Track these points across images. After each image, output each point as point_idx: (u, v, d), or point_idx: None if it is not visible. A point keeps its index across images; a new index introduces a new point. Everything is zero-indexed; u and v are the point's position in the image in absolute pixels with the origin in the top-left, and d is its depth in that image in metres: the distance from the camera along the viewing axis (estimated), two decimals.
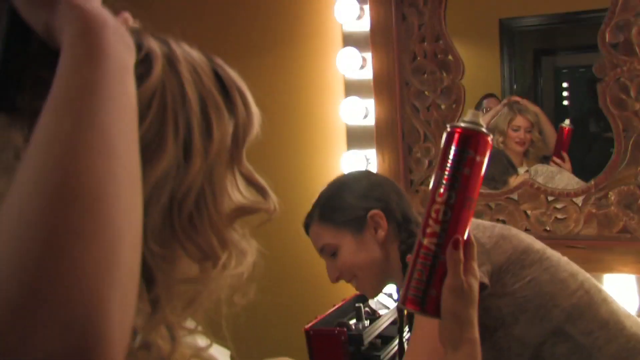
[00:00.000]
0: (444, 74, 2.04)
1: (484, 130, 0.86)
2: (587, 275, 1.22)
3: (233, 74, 0.66)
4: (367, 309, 1.87)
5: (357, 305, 1.83)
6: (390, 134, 2.09)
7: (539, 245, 1.21)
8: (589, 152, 2.24)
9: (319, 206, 1.37)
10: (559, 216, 1.94)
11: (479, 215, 2.01)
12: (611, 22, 1.82)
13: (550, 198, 1.95)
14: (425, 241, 0.86)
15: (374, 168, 2.12)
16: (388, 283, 1.38)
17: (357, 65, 2.10)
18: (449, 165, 0.86)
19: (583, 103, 2.30)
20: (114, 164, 0.45)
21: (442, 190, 0.85)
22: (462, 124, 0.87)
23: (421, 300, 0.87)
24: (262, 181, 0.67)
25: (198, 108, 0.60)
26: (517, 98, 2.20)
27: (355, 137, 2.17)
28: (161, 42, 0.61)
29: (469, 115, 0.88)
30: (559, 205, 1.94)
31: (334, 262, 1.35)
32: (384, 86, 2.09)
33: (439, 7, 2.01)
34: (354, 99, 2.12)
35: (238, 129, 0.64)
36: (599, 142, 2.17)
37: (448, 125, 0.89)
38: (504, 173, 2.13)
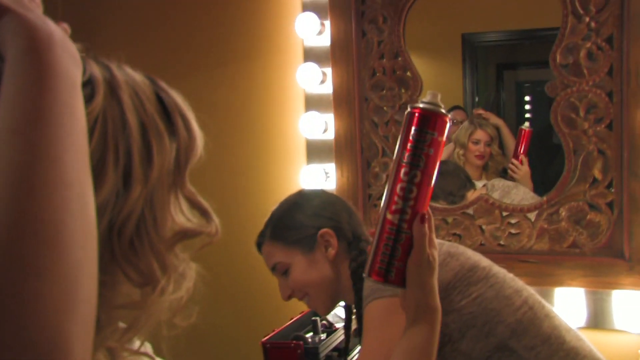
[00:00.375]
0: (403, 90, 2.08)
1: (443, 110, 0.92)
2: (531, 291, 1.26)
3: (176, 97, 0.66)
4: (323, 322, 1.89)
5: (313, 318, 1.85)
6: (349, 148, 2.12)
7: (485, 262, 1.25)
8: (550, 165, 2.29)
9: (271, 225, 1.38)
10: (513, 231, 1.99)
11: (435, 229, 2.04)
12: (561, 44, 1.88)
13: (504, 213, 2.00)
14: (391, 217, 0.93)
15: (332, 182, 2.15)
16: (340, 300, 1.41)
17: (317, 80, 2.12)
18: (411, 145, 0.91)
19: (544, 116, 2.36)
20: (69, 194, 0.45)
21: (406, 169, 0.92)
22: (422, 105, 0.92)
23: (386, 271, 0.94)
24: (205, 203, 0.68)
25: (139, 134, 0.60)
26: (481, 110, 2.25)
27: (315, 151, 2.19)
28: (102, 67, 0.61)
29: (427, 96, 0.93)
30: (513, 220, 1.99)
31: (286, 281, 1.37)
32: (344, 101, 2.12)
33: (398, 24, 2.05)
34: (313, 113, 2.15)
35: (180, 153, 0.65)
36: (561, 155, 2.23)
37: (409, 106, 0.94)
38: (461, 188, 2.18)
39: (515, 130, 2.21)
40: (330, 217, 1.35)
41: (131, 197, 0.58)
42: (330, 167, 2.16)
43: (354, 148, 2.12)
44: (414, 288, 0.95)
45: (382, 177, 2.11)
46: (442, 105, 0.93)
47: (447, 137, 2.21)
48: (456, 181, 2.19)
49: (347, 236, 1.35)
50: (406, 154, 0.92)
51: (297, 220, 1.35)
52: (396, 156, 0.93)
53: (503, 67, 2.42)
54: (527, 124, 2.20)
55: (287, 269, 1.35)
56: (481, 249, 2.01)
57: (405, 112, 0.94)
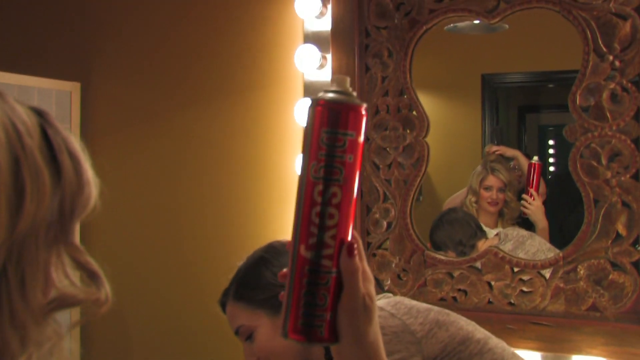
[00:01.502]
0: (408, 131, 1.92)
1: (356, 100, 0.69)
2: None
3: (67, 136, 0.57)
4: None
5: None
6: None
7: (480, 334, 1.07)
8: (571, 213, 2.12)
9: (236, 282, 1.22)
10: (525, 289, 1.79)
11: (438, 284, 1.86)
12: (581, 84, 1.71)
13: (516, 269, 1.81)
14: (307, 254, 0.68)
15: None
16: None
17: None
18: (323, 153, 0.68)
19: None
20: None
21: (320, 186, 0.68)
22: (329, 96, 0.69)
23: (310, 327, 0.70)
24: (94, 265, 0.57)
25: (9, 172, 0.49)
26: (494, 148, 2.10)
27: None
28: None
29: (334, 81, 0.70)
30: (525, 277, 1.79)
31: (251, 347, 1.19)
32: None
33: (404, 59, 1.91)
34: None
35: (64, 200, 0.54)
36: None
37: (311, 99, 0.70)
38: (472, 237, 2.00)
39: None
40: None
41: None
42: None
43: None
44: (350, 343, 0.70)
45: (383, 224, 1.93)
46: (354, 93, 0.70)
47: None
48: (466, 230, 2.01)
49: None
50: (317, 167, 0.68)
51: (262, 278, 1.19)
52: (303, 170, 0.69)
53: (525, 110, 2.29)
54: (535, 157, 2.06)
55: (251, 334, 1.18)
56: (489, 307, 1.81)
57: (307, 108, 0.70)
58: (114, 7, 2.38)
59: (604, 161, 1.70)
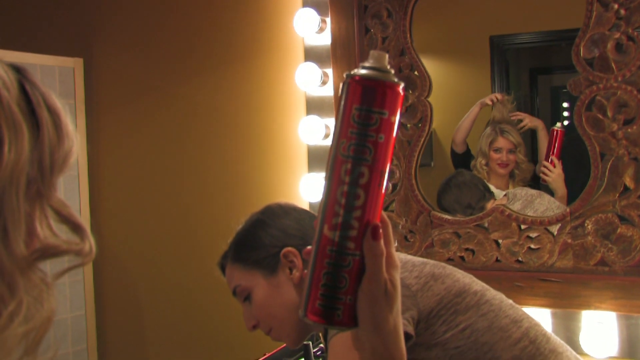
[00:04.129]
0: (410, 91, 1.89)
1: (393, 78, 0.65)
2: (534, 321, 1.06)
3: (46, 91, 0.57)
4: (321, 346, 1.71)
5: (305, 343, 1.67)
6: None
7: (478, 286, 1.06)
8: (589, 173, 2.09)
9: (233, 245, 1.23)
10: (533, 246, 1.78)
11: (445, 244, 1.85)
12: (585, 36, 1.67)
13: (523, 226, 1.79)
14: (330, 234, 0.65)
15: None
16: (309, 332, 1.23)
17: (318, 81, 1.96)
18: (353, 131, 0.65)
19: None
20: None
21: (348, 165, 0.65)
22: (364, 72, 0.65)
23: (329, 309, 0.67)
24: (77, 217, 0.57)
25: None
26: (518, 114, 2.05)
27: (316, 159, 2.02)
28: None
29: (371, 57, 0.66)
30: (532, 234, 1.78)
31: (249, 308, 1.20)
32: None
33: (403, 19, 1.88)
34: (314, 117, 1.98)
35: (43, 153, 0.54)
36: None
37: (345, 75, 0.67)
38: (480, 199, 1.98)
39: None
40: (294, 235, 1.18)
41: None
42: None
43: None
44: (368, 330, 0.67)
45: (388, 185, 1.92)
46: (392, 71, 0.66)
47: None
48: (474, 192, 1.99)
49: None
50: (346, 144, 0.65)
51: (258, 239, 1.19)
52: (332, 147, 0.66)
53: (537, 72, 2.23)
54: (559, 124, 1.99)
55: (248, 294, 1.19)
56: (497, 265, 1.80)
57: (341, 84, 0.67)
58: None
59: (609, 113, 1.66)
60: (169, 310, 2.32)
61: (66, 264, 0.59)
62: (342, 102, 0.66)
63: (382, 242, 0.66)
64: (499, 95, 2.03)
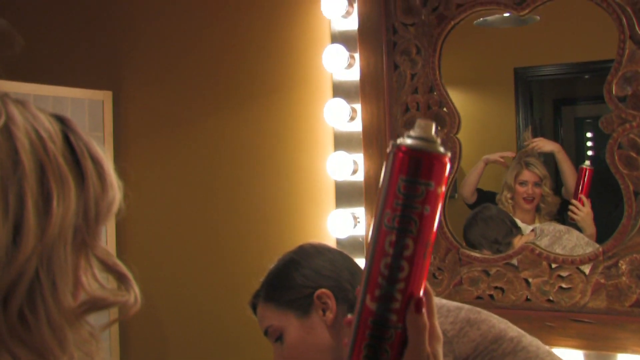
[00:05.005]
0: (439, 128, 1.89)
1: (440, 148, 0.65)
2: None
3: (89, 141, 0.57)
4: None
5: None
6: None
7: (514, 332, 1.03)
8: (616, 209, 2.06)
9: (265, 284, 1.22)
10: (564, 285, 1.74)
11: (474, 282, 1.83)
12: (617, 73, 1.66)
13: (554, 265, 1.76)
14: (373, 305, 0.65)
15: (362, 228, 1.96)
16: None
17: (346, 117, 1.96)
18: (398, 202, 0.64)
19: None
20: None
21: (392, 237, 0.64)
22: (410, 142, 0.65)
23: None
24: (123, 267, 0.58)
25: (35, 178, 0.50)
26: (531, 141, 2.04)
27: (344, 194, 2.01)
28: None
29: (417, 128, 0.65)
30: (563, 273, 1.75)
31: (281, 349, 1.19)
32: (374, 139, 1.95)
33: (432, 56, 1.88)
34: (342, 153, 1.98)
35: (89, 204, 0.54)
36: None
37: (391, 144, 0.67)
38: (507, 234, 1.96)
39: (577, 169, 1.99)
40: (328, 276, 1.17)
41: (21, 255, 0.48)
42: (360, 212, 1.97)
43: None
44: None
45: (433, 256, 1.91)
46: (438, 140, 0.66)
47: None
48: (501, 227, 1.97)
49: (349, 298, 1.16)
50: (391, 216, 0.64)
51: (291, 279, 1.18)
52: (376, 218, 0.66)
53: (561, 103, 2.23)
54: (587, 162, 1.97)
55: (280, 335, 1.18)
56: (527, 305, 1.77)
57: (387, 152, 0.67)
58: (141, 15, 2.41)
59: None
60: (197, 349, 2.31)
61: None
62: (388, 172, 0.65)
63: (425, 315, 0.65)
64: (506, 154, 2.03)
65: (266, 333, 1.21)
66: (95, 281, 0.55)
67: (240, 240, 2.21)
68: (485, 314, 1.05)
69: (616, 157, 1.67)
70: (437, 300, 1.08)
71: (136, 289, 0.58)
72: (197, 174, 2.30)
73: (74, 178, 0.53)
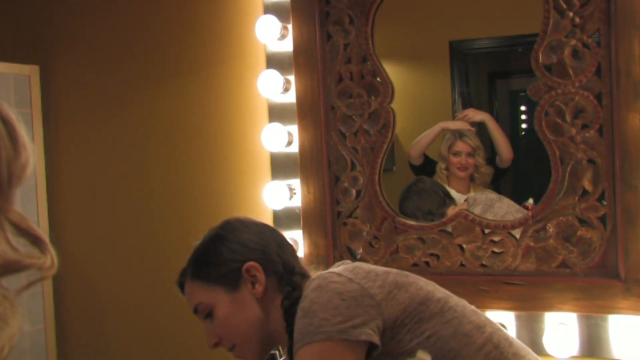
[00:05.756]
0: (372, 97, 1.90)
1: None
2: (497, 326, 1.07)
3: (2, 104, 0.55)
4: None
5: (272, 352, 1.66)
6: (315, 162, 1.94)
7: (441, 293, 1.06)
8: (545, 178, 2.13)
9: (192, 261, 1.21)
10: (496, 250, 1.80)
11: (410, 250, 1.86)
12: (543, 42, 1.70)
13: (486, 230, 1.81)
14: None
15: (298, 199, 1.96)
16: (273, 346, 1.22)
17: (280, 88, 1.95)
18: None
19: None
20: None
21: None
22: None
23: None
24: (37, 230, 0.56)
25: None
26: (462, 112, 2.07)
27: (279, 166, 2.01)
28: None
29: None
30: (496, 238, 1.80)
31: (212, 325, 1.18)
32: (308, 111, 1.94)
33: (365, 25, 1.88)
34: (277, 124, 1.97)
35: (1, 167, 0.53)
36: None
37: None
38: (440, 205, 1.99)
39: (510, 141, 2.02)
40: (255, 249, 1.17)
41: None
42: (296, 183, 1.98)
43: (320, 161, 1.94)
44: None
45: (352, 192, 1.92)
46: None
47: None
48: (434, 199, 2.00)
49: (277, 270, 1.16)
50: None
51: (218, 254, 1.18)
52: None
53: (495, 76, 2.26)
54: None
55: (210, 311, 1.17)
56: (462, 270, 1.82)
57: None
58: None
59: (568, 118, 1.69)
60: (131, 323, 2.28)
61: (24, 279, 0.58)
62: None
63: None
64: (462, 124, 2.05)
65: (195, 311, 1.20)
66: (8, 245, 0.54)
67: (175, 215, 2.19)
68: (412, 277, 1.07)
69: (543, 124, 1.72)
70: (366, 266, 1.10)
71: (52, 251, 0.56)
72: (129, 149, 2.25)
73: None
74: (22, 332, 2.23)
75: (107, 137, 2.29)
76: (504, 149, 2.01)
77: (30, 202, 2.27)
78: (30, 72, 2.29)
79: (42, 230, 2.26)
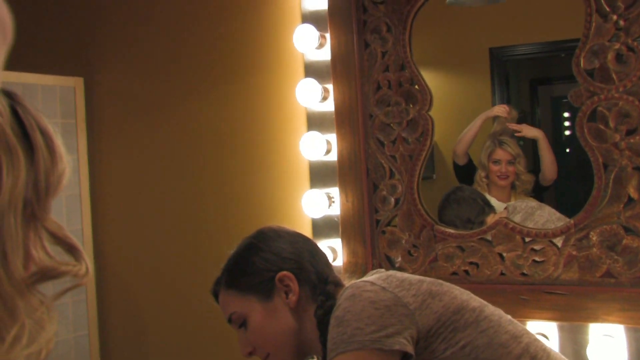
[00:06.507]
0: (410, 105, 1.89)
1: None
2: (534, 336, 1.04)
3: (38, 115, 0.56)
4: None
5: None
6: (353, 170, 1.94)
7: (476, 302, 1.04)
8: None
9: (226, 271, 1.22)
10: (537, 259, 1.76)
11: (449, 258, 1.84)
12: (585, 47, 1.66)
13: (527, 239, 1.77)
14: None
15: (337, 208, 1.96)
16: (306, 357, 1.22)
17: (319, 97, 1.95)
18: None
19: None
20: None
21: None
22: None
23: None
24: (73, 239, 0.58)
25: None
26: (514, 125, 2.03)
27: (318, 175, 2.01)
28: None
29: None
30: (536, 247, 1.76)
31: (246, 334, 1.19)
32: (347, 119, 1.94)
33: (403, 33, 1.87)
34: (315, 133, 1.97)
35: (39, 177, 0.54)
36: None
37: None
38: (480, 213, 1.97)
39: (554, 148, 1.98)
40: (289, 258, 1.17)
41: None
42: (335, 191, 1.98)
43: (359, 170, 1.93)
44: None
45: (390, 200, 1.91)
46: None
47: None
48: (473, 207, 1.98)
49: (311, 279, 1.16)
50: None
51: (252, 263, 1.18)
52: None
53: (537, 82, 2.22)
54: None
55: (244, 321, 1.18)
56: (502, 279, 1.79)
57: None
58: (111, 2, 2.38)
59: (611, 124, 1.65)
60: (173, 331, 2.31)
61: (62, 286, 0.60)
62: None
63: None
64: (503, 108, 2.02)
65: (230, 320, 1.21)
66: (44, 252, 0.55)
67: (216, 223, 2.21)
68: (447, 285, 1.06)
69: (585, 130, 1.68)
70: (399, 274, 1.09)
71: (87, 260, 0.58)
72: (171, 158, 2.29)
73: (24, 150, 0.53)
74: (66, 338, 2.28)
75: (148, 146, 2.33)
76: (550, 170, 1.97)
77: (75, 210, 2.32)
78: (74, 83, 2.36)
79: (86, 238, 2.32)
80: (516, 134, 2.02)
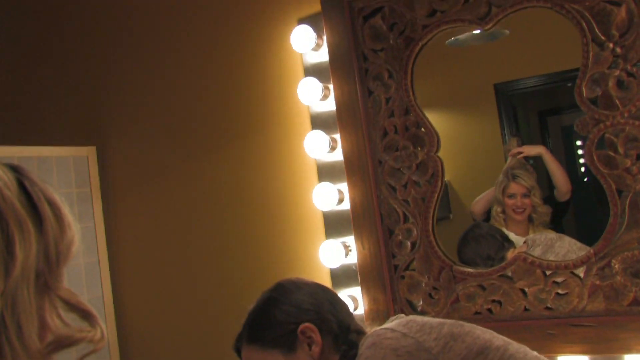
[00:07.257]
0: (418, 148, 1.90)
1: None
2: None
3: (44, 186, 0.59)
4: None
5: None
6: (367, 217, 1.94)
7: (499, 341, 1.03)
8: (602, 210, 2.06)
9: (247, 325, 1.22)
10: (560, 291, 1.73)
11: (470, 298, 1.82)
12: (585, 76, 1.68)
13: (548, 272, 1.75)
14: None
15: (354, 256, 1.96)
16: None
17: (327, 147, 1.97)
18: None
19: None
20: None
21: None
22: None
23: None
24: (87, 305, 0.59)
25: None
26: (515, 150, 2.03)
27: (332, 224, 2.02)
28: None
29: None
30: (558, 279, 1.74)
31: None
32: (356, 167, 1.96)
33: (404, 78, 1.90)
34: (326, 183, 1.98)
35: (49, 246, 0.56)
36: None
37: None
38: (499, 250, 1.95)
39: (571, 175, 1.98)
40: (309, 310, 1.17)
41: None
42: (350, 240, 1.97)
43: (372, 217, 1.93)
44: None
45: (407, 244, 1.91)
46: None
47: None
48: (492, 243, 1.96)
49: (333, 329, 1.15)
50: None
51: (272, 317, 1.18)
52: None
53: (546, 114, 2.22)
54: None
55: None
56: (526, 315, 1.76)
57: None
58: (118, 68, 2.44)
59: (621, 150, 1.65)
60: None
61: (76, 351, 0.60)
62: None
63: None
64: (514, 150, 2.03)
65: None
66: (60, 320, 0.56)
67: (234, 280, 2.21)
68: (468, 326, 1.04)
69: (595, 158, 1.68)
70: (419, 319, 1.08)
71: (101, 324, 0.58)
72: (186, 219, 2.31)
73: (33, 222, 0.55)
74: None
75: (163, 208, 2.35)
76: (561, 181, 1.96)
77: (94, 278, 2.33)
78: (87, 153, 2.40)
79: (107, 304, 2.32)
80: (518, 157, 2.01)
